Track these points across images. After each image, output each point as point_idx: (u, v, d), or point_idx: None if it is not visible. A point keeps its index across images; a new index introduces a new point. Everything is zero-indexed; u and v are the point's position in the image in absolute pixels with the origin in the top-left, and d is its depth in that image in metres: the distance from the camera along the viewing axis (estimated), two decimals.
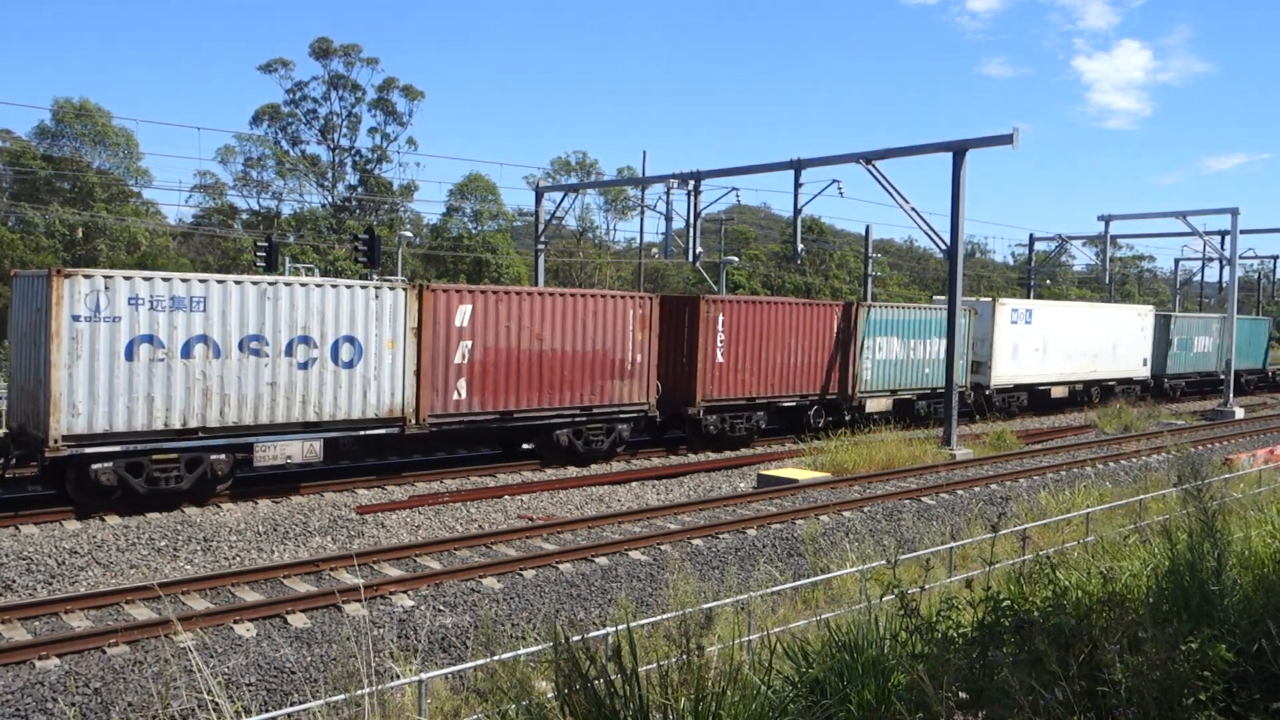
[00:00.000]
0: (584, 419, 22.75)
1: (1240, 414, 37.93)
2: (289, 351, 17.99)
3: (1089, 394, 39.96)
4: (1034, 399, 37.13)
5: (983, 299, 36.50)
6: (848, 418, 28.56)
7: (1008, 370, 35.41)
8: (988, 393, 34.70)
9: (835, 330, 28.49)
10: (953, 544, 13.97)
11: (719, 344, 25.23)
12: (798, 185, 29.79)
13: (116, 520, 16.55)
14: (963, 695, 3.58)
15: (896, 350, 30.78)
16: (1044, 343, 36.58)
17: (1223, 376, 42.56)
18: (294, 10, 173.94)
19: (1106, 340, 39.59)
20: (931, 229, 27.32)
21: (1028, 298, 58.32)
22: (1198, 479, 5.90)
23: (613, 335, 22.94)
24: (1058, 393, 38.09)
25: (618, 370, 23.05)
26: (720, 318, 25.24)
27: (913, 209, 27.25)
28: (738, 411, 26.19)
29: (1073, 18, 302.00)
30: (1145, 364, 42.15)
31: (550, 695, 4.35)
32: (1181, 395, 45.67)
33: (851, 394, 29.17)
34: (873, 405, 29.96)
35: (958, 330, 27.45)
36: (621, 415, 23.43)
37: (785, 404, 27.61)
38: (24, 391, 17.13)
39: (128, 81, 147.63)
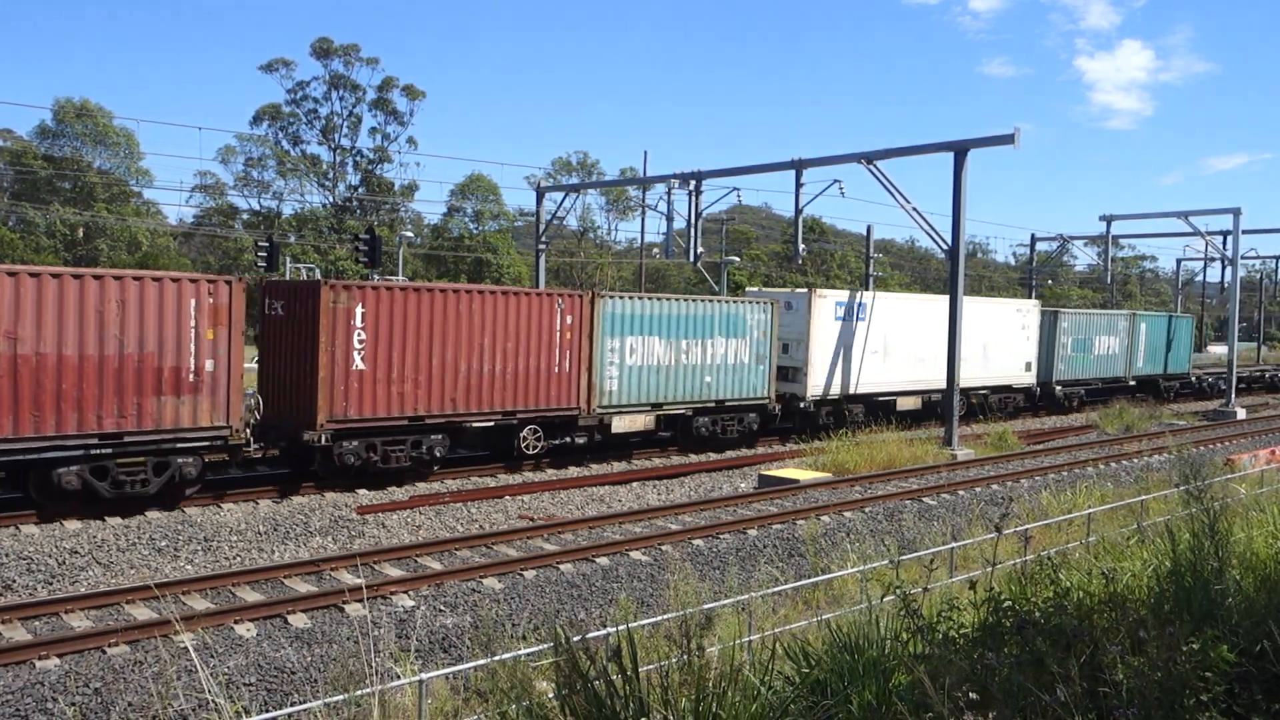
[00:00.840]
0: (110, 451, 16.31)
1: (1242, 414, 37.94)
2: None
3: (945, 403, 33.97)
4: (873, 412, 30.65)
5: (797, 290, 30.19)
6: (582, 440, 23.04)
7: (831, 377, 29.35)
8: (803, 405, 28.47)
9: (559, 328, 22.22)
10: (954, 544, 13.96)
11: (356, 344, 19.04)
12: (799, 185, 29.80)
13: (117, 520, 16.55)
14: (972, 695, 3.56)
15: (660, 354, 24.26)
16: (884, 343, 30.65)
17: (1132, 383, 41.05)
18: (294, 10, 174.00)
19: (975, 341, 33.06)
20: (933, 229, 27.33)
21: (1028, 298, 57.89)
22: (1199, 479, 5.89)
23: (159, 333, 16.58)
24: (906, 404, 31.67)
25: (170, 382, 16.69)
26: (359, 310, 19.06)
27: (914, 209, 27.25)
28: (394, 435, 19.84)
29: (1074, 17, 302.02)
30: (1029, 369, 36.02)
31: (550, 696, 4.34)
32: (1080, 405, 39.91)
33: (588, 409, 22.88)
34: (623, 423, 23.72)
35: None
36: (179, 445, 16.98)
37: (477, 424, 21.18)
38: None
39: (128, 81, 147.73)
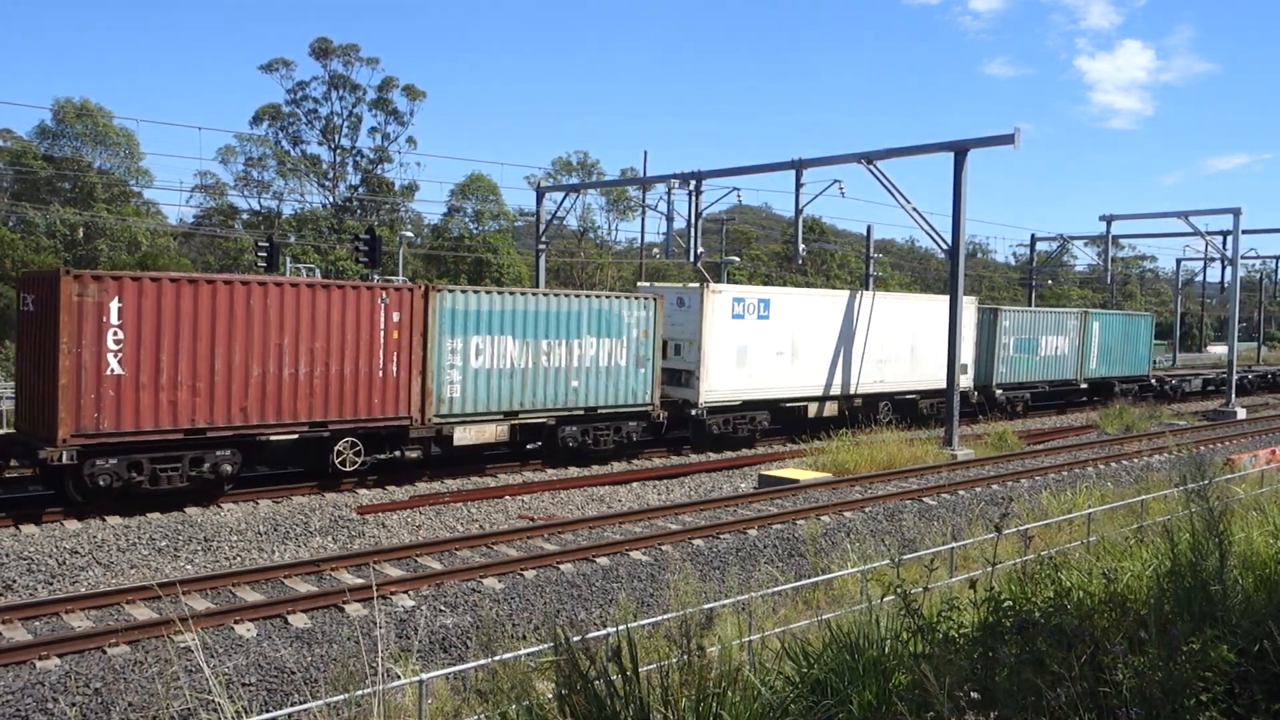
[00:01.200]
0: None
1: (1242, 414, 37.93)
2: None
3: (874, 410, 30.33)
4: (781, 419, 28.20)
5: (689, 285, 27.36)
6: (415, 455, 20.36)
7: (729, 381, 26.22)
8: (695, 412, 25.59)
9: (384, 326, 19.61)
10: (954, 544, 13.96)
11: (112, 345, 16.41)
12: (799, 185, 29.80)
13: (117, 520, 16.55)
14: (974, 695, 3.56)
15: (514, 355, 21.70)
16: (791, 344, 27.76)
17: (1084, 386, 38.72)
18: (294, 10, 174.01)
19: (899, 341, 30.92)
20: (933, 229, 27.33)
21: (1029, 300, 57.57)
22: (1200, 479, 5.89)
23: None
24: (820, 410, 28.77)
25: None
26: (114, 304, 16.44)
27: (914, 209, 27.25)
28: (166, 451, 17.17)
29: (1075, 18, 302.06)
30: (965, 371, 31.72)
31: (550, 696, 4.34)
32: (1026, 410, 36.91)
33: (423, 419, 20.22)
34: (467, 434, 21.03)
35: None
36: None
37: (277, 437, 18.49)
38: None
39: (128, 81, 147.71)
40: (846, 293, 30.64)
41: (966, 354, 32.36)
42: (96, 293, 16.31)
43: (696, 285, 26.54)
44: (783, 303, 27.87)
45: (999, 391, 35.28)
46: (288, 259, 48.19)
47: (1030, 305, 56.14)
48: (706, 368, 25.76)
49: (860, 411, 29.51)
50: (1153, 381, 43.42)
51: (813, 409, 28.66)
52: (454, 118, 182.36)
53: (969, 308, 32.84)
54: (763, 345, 27.07)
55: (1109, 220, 43.49)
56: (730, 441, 26.65)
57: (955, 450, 25.39)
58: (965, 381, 31.89)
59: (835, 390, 29.30)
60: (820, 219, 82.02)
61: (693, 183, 32.21)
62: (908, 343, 31.21)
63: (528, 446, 22.64)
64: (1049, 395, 39.00)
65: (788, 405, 28.09)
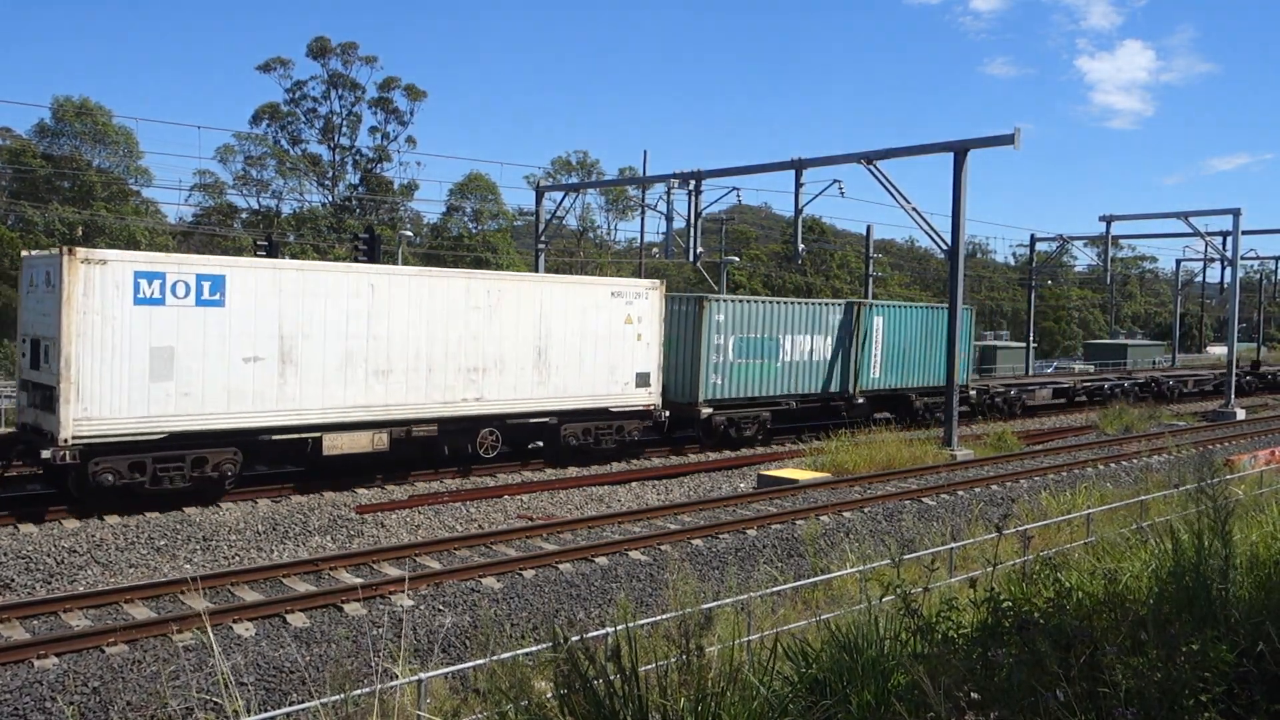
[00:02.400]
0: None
1: (1241, 415, 37.92)
2: None
3: (467, 439, 21.04)
4: (263, 459, 19.42)
5: (51, 252, 17.56)
6: None
7: (136, 404, 16.73)
8: (50, 453, 16.05)
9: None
10: (953, 544, 13.95)
11: None
12: (799, 185, 29.77)
13: (116, 519, 16.54)
14: (973, 695, 3.56)
15: None
16: (280, 347, 18.23)
17: (860, 401, 29.86)
18: (294, 10, 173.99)
19: (520, 340, 21.54)
20: (933, 229, 27.31)
21: (1028, 301, 57.26)
22: (1203, 479, 5.89)
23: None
24: (345, 443, 19.05)
25: None
26: None
27: (914, 209, 27.24)
28: None
29: (1076, 18, 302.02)
30: (646, 384, 23.73)
31: (550, 695, 4.33)
32: (762, 435, 27.19)
33: None
34: None
35: None
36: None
37: None
38: None
39: (128, 80, 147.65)
40: (391, 270, 20.89)
41: (646, 360, 23.85)
42: None
43: (57, 253, 16.43)
44: (254, 281, 18.03)
45: (708, 411, 25.59)
46: (287, 258, 48.15)
47: (1032, 306, 56.09)
48: (81, 382, 16.13)
49: (440, 442, 20.67)
50: (972, 393, 34.05)
51: (332, 441, 18.90)
52: (454, 118, 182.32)
53: (649, 296, 23.98)
54: (223, 348, 17.60)
55: (1109, 220, 43.50)
56: (150, 499, 17.23)
57: (955, 450, 25.40)
58: (644, 399, 23.83)
59: (376, 414, 19.48)
60: (820, 219, 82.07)
61: (692, 182, 32.20)
62: (531, 343, 21.71)
63: None
64: (799, 415, 29.01)
65: (277, 438, 18.46)
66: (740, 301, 27.05)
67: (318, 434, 18.83)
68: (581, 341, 22.65)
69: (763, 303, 27.83)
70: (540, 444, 23.30)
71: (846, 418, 29.42)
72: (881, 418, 30.98)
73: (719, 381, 25.85)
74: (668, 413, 24.69)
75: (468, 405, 20.82)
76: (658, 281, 25.10)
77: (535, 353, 21.90)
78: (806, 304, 29.12)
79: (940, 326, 31.52)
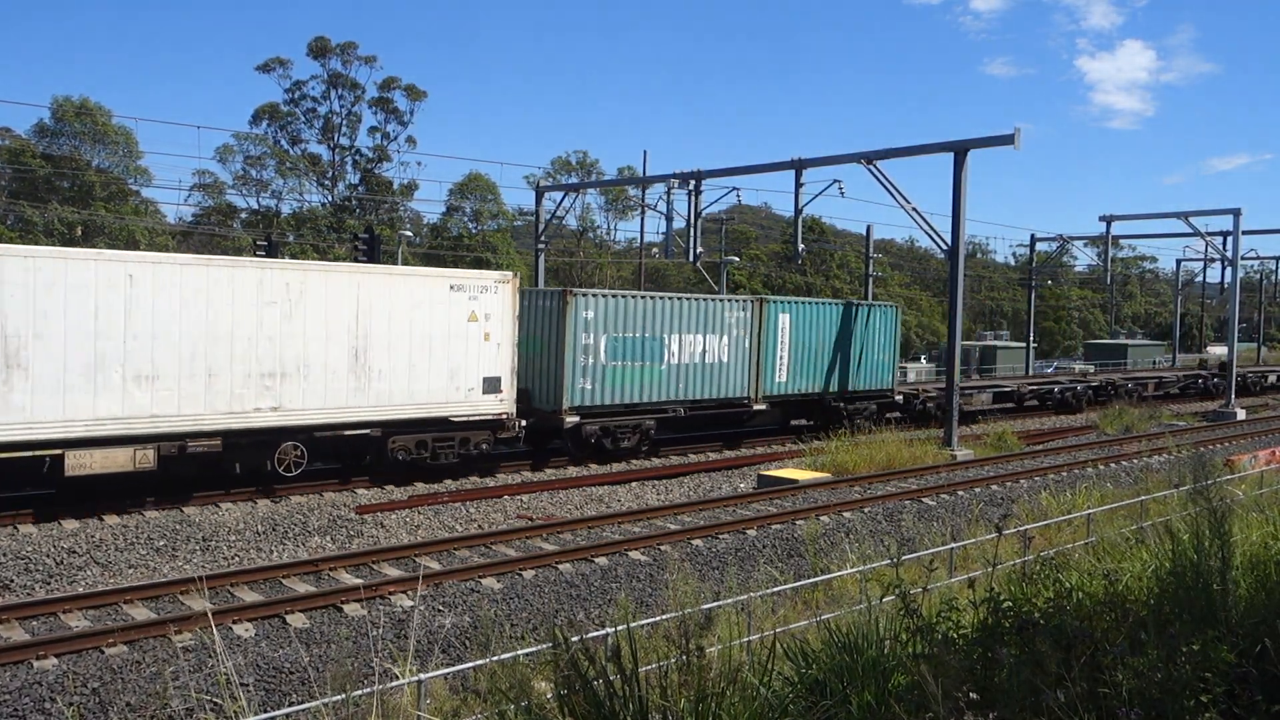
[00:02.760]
0: None
1: (1242, 415, 37.90)
2: None
3: (244, 457, 18.20)
4: None
5: None
6: None
7: None
8: None
9: None
10: (953, 545, 13.95)
11: None
12: (799, 185, 29.77)
13: (115, 520, 16.53)
14: (972, 695, 3.55)
15: None
16: (18, 340, 15.51)
17: (759, 408, 26.94)
18: (294, 10, 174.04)
19: (330, 341, 18.61)
20: (933, 229, 27.32)
21: (1028, 302, 57.07)
22: (1203, 479, 5.88)
23: None
24: (91, 462, 16.21)
25: None
26: None
27: (914, 209, 27.24)
28: None
29: (1076, 18, 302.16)
30: (496, 390, 20.87)
31: (550, 696, 4.33)
32: (645, 447, 24.51)
33: None
34: None
35: None
36: None
37: None
38: None
39: (127, 80, 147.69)
40: (157, 259, 17.29)
41: (497, 363, 21.07)
42: None
43: None
44: None
45: (574, 419, 22.66)
46: (287, 258, 48.15)
47: (1032, 306, 56.01)
48: None
49: (227, 459, 17.90)
50: (898, 398, 31.59)
51: (78, 460, 16.08)
52: (453, 117, 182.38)
53: (499, 291, 21.12)
54: None
55: (1109, 220, 43.49)
56: None
57: (955, 450, 25.40)
58: (493, 406, 21.00)
59: (134, 428, 16.57)
60: (820, 219, 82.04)
61: (692, 182, 32.20)
62: (346, 344, 18.79)
63: None
64: (691, 423, 26.25)
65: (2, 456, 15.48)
66: (614, 296, 23.86)
67: (58, 451, 15.93)
68: (412, 342, 19.71)
69: (642, 298, 24.72)
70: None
71: (748, 426, 27.81)
72: (798, 424, 29.19)
73: (589, 386, 23.00)
74: (524, 422, 22.01)
75: (262, 416, 17.94)
76: (508, 274, 21.77)
77: (351, 355, 18.91)
78: (697, 300, 25.76)
79: (860, 325, 29.86)
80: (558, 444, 23.90)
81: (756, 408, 26.97)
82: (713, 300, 26.06)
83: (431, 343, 20.04)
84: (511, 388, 21.34)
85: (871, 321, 30.35)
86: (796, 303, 28.73)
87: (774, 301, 27.81)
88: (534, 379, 22.94)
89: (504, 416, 21.32)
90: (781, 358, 27.55)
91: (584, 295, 23.00)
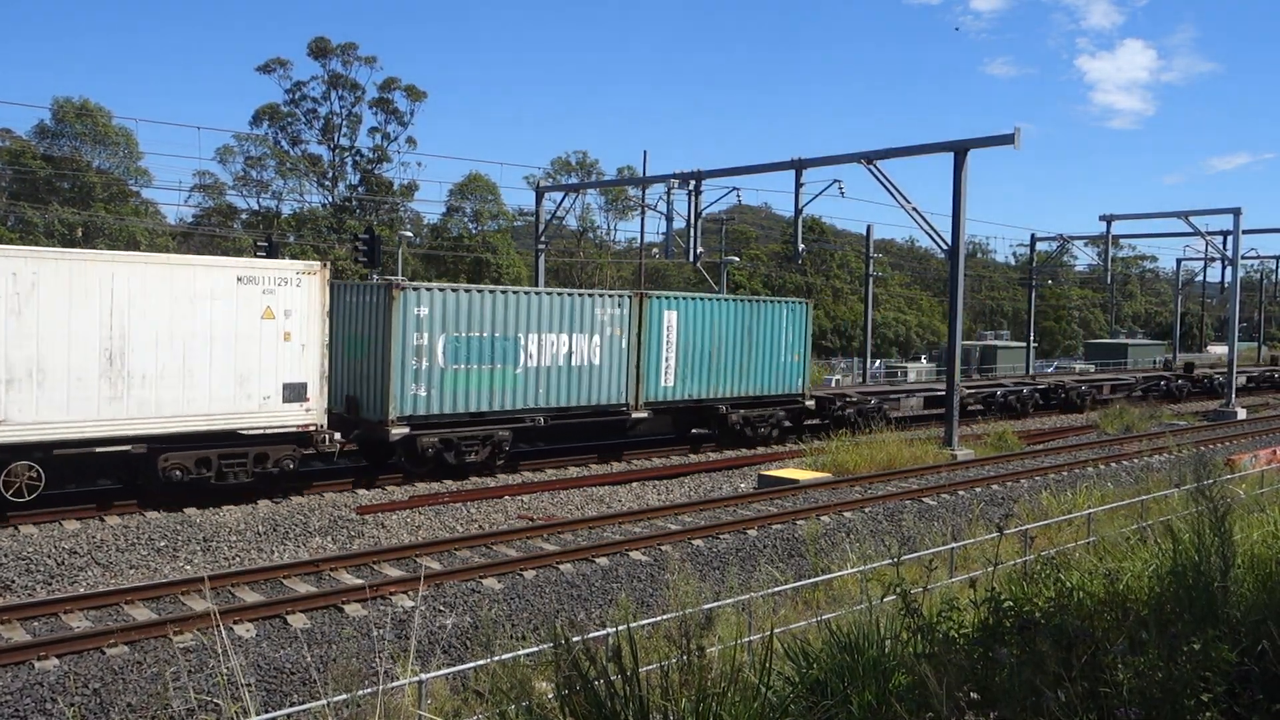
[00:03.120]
0: None
1: (1242, 414, 37.88)
2: None
3: None
4: None
5: None
6: None
7: None
8: None
9: None
10: (954, 544, 13.96)
11: None
12: (799, 185, 29.76)
13: (116, 520, 16.54)
14: (973, 695, 3.55)
15: None
16: None
17: (641, 416, 24.11)
18: (294, 10, 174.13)
19: (79, 339, 16.03)
20: (933, 229, 27.31)
21: (1028, 301, 56.98)
22: (1203, 479, 5.88)
23: None
24: None
25: None
26: None
27: (914, 209, 27.24)
28: None
29: (1076, 17, 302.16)
30: (301, 399, 18.30)
31: (550, 696, 4.33)
32: (494, 461, 21.59)
33: None
34: None
35: None
36: None
37: None
38: None
39: (128, 81, 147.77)
40: None
41: (301, 366, 18.34)
42: None
43: None
44: None
45: (397, 432, 19.78)
46: (287, 259, 48.20)
47: (1033, 306, 55.95)
48: None
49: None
50: (809, 403, 28.36)
51: None
52: (454, 118, 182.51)
53: (305, 284, 18.37)
54: None
55: (1109, 220, 43.47)
56: None
57: (955, 450, 25.41)
58: (295, 417, 18.31)
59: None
60: (820, 219, 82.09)
61: (692, 183, 32.19)
62: (98, 345, 16.17)
63: None
64: (558, 432, 23.69)
65: None
66: (453, 291, 21.06)
67: None
68: (188, 343, 16.96)
69: (490, 293, 21.61)
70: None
71: (630, 435, 24.98)
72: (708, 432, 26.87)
73: (424, 393, 20.24)
74: (338, 435, 19.14)
75: None
76: (315, 264, 18.87)
77: (104, 358, 16.14)
78: (560, 295, 22.70)
79: (764, 324, 26.93)
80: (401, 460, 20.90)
81: (637, 415, 24.13)
82: (580, 295, 23.31)
83: (213, 344, 17.24)
84: (322, 395, 18.60)
85: (777, 320, 27.40)
86: (685, 298, 25.94)
87: (657, 297, 25.03)
88: (361, 385, 20.53)
89: (312, 429, 18.49)
90: (668, 359, 24.83)
91: (416, 290, 20.49)
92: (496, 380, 21.43)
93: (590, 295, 23.54)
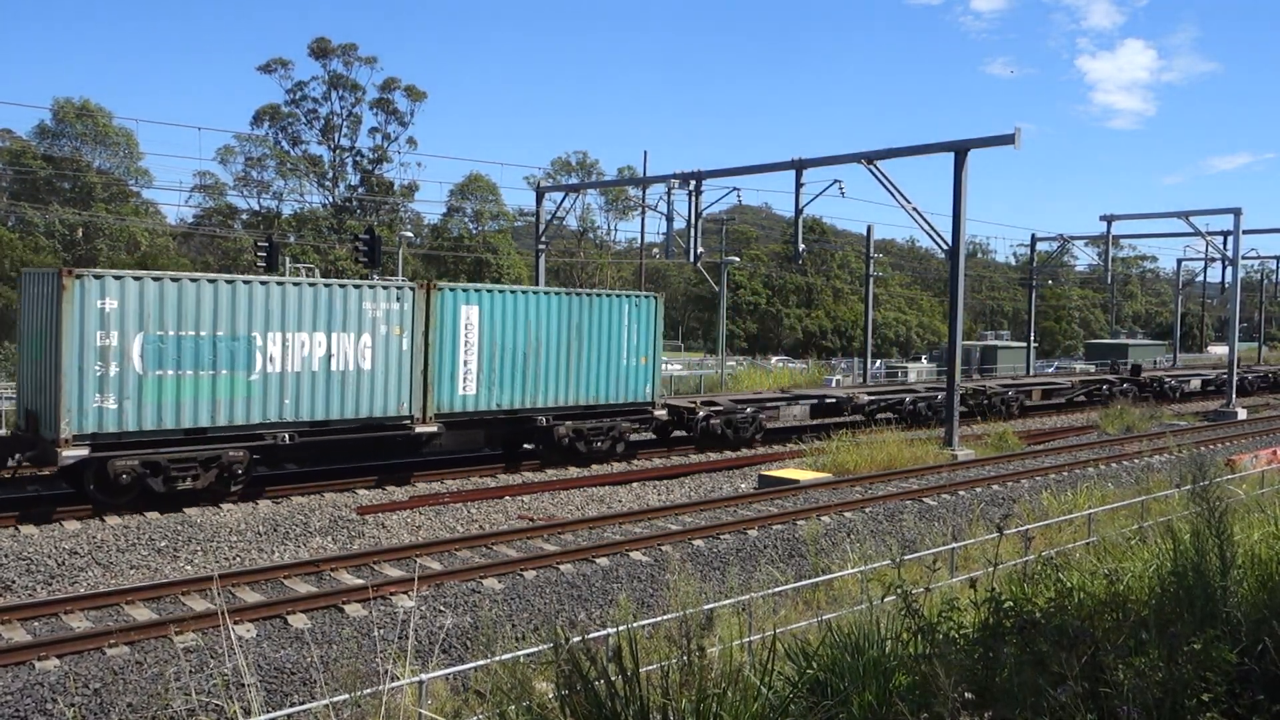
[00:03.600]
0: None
1: (1243, 414, 37.84)
2: None
3: None
4: None
5: None
6: None
7: None
8: None
9: None
10: (954, 544, 13.95)
11: None
12: (799, 185, 29.74)
13: (116, 520, 16.53)
14: (969, 695, 3.56)
15: None
16: None
17: (429, 430, 19.84)
18: (295, 10, 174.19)
19: None
20: (933, 229, 27.29)
21: (1029, 301, 56.94)
22: (1203, 479, 5.88)
23: None
24: None
25: None
26: None
27: (914, 209, 27.23)
28: None
29: (1077, 17, 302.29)
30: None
31: (551, 696, 4.33)
32: (230, 493, 17.93)
33: None
34: None
35: None
36: None
37: None
38: None
39: (128, 81, 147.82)
40: None
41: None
42: None
43: None
44: None
45: (72, 454, 16.02)
46: (287, 259, 48.23)
47: (1033, 306, 55.81)
48: None
49: None
50: (660, 414, 24.56)
51: None
52: (454, 118, 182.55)
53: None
54: None
55: (1109, 220, 43.44)
56: None
57: (955, 450, 25.40)
58: None
59: None
60: (820, 219, 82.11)
61: (692, 183, 32.18)
62: None
63: None
64: (318, 451, 19.60)
65: None
66: (154, 280, 17.02)
67: None
68: None
69: (208, 282, 17.70)
70: None
71: (425, 454, 20.88)
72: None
73: (115, 405, 16.49)
74: (16, 458, 16.58)
75: None
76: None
77: None
78: (314, 286, 18.86)
79: (600, 322, 23.09)
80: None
81: (424, 430, 20.19)
82: (341, 287, 19.48)
83: None
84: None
85: (617, 317, 23.40)
86: (489, 290, 21.86)
87: (450, 289, 21.07)
88: (39, 397, 16.97)
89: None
90: (468, 363, 20.98)
91: (99, 278, 16.46)
92: (222, 389, 17.64)
93: (356, 286, 19.75)
